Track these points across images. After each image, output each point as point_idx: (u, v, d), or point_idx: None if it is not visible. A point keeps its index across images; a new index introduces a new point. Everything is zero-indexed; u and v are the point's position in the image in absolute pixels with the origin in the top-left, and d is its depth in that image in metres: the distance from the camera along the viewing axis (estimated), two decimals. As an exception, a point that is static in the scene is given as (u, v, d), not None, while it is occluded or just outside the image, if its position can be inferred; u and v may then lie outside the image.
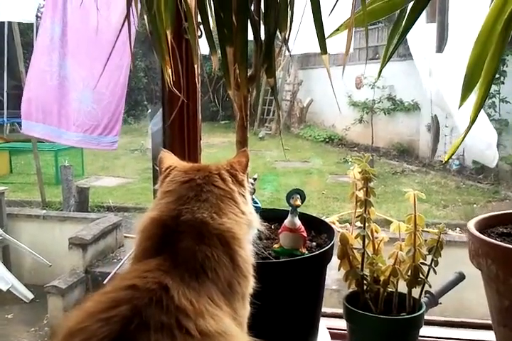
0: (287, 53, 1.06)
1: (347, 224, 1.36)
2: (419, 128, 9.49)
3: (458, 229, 5.95)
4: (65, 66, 3.57)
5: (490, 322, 1.43)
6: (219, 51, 1.10)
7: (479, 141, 5.93)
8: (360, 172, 1.27)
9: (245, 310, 0.88)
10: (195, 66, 1.21)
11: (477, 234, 1.10)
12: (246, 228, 0.94)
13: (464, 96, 1.22)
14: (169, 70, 1.18)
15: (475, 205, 7.14)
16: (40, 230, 5.37)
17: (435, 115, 8.30)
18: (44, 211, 5.96)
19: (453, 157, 8.53)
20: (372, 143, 10.05)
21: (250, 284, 0.90)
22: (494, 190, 7.64)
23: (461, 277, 2.30)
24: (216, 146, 9.50)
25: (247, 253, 0.91)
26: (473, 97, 1.07)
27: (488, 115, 7.95)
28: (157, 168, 1.03)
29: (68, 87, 3.53)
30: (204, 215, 0.88)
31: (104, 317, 0.71)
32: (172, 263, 0.81)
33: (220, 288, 0.82)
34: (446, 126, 8.35)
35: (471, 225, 1.17)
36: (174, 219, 0.87)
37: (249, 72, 1.09)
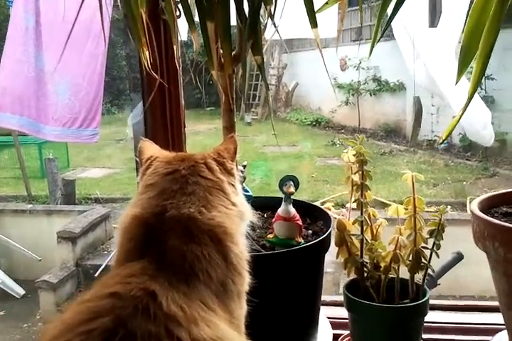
0: (274, 29, 0.97)
1: (343, 209, 1.30)
2: (406, 108, 9.45)
3: (449, 207, 5.96)
4: (40, 57, 3.44)
5: (494, 303, 1.40)
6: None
7: (475, 122, 5.92)
8: (354, 155, 1.20)
9: (242, 309, 0.82)
10: (175, 47, 1.13)
11: (483, 215, 1.05)
12: (238, 221, 0.87)
13: (461, 71, 1.15)
14: (146, 53, 1.09)
15: (464, 183, 7.16)
16: (27, 225, 5.27)
17: (417, 96, 8.25)
18: (30, 205, 5.85)
19: (440, 135, 8.54)
20: (359, 124, 10.02)
21: (246, 281, 0.83)
22: (483, 166, 7.67)
23: (459, 257, 2.27)
24: (202, 133, 9.40)
25: (241, 249, 0.84)
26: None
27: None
28: (137, 160, 0.95)
29: (45, 79, 3.40)
30: (191, 210, 0.80)
31: (84, 330, 0.64)
32: (158, 265, 0.74)
33: (214, 290, 0.75)
34: (432, 105, 8.32)
35: (475, 206, 1.11)
36: (158, 216, 0.79)
37: (234, 52, 1.01)
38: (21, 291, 4.74)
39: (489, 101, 7.80)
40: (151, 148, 0.96)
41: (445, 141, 8.43)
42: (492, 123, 7.96)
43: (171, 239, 0.77)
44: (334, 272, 3.66)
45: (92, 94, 3.18)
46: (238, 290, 0.80)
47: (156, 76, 1.07)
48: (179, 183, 0.84)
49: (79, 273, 4.52)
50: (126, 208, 0.85)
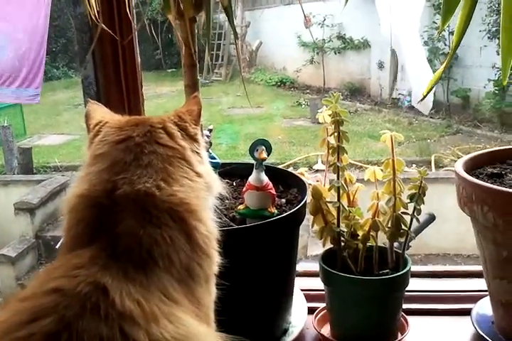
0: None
1: (318, 174, 1.21)
2: (370, 67, 9.37)
3: (414, 165, 6.00)
4: None
5: (472, 268, 1.36)
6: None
7: (422, 88, 5.90)
8: (330, 115, 1.10)
9: (210, 294, 0.72)
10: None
11: (470, 178, 0.97)
12: (204, 194, 0.75)
13: (445, 20, 1.06)
14: (92, 1, 0.94)
15: (429, 141, 7.22)
16: (-18, 196, 5.03)
17: (393, 50, 8.08)
18: (-15, 176, 5.59)
19: (404, 93, 8.54)
20: (324, 84, 9.90)
21: (214, 262, 0.73)
22: (446, 124, 7.74)
23: (431, 218, 2.25)
24: (165, 96, 9.13)
25: (208, 227, 0.73)
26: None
27: (438, 48, 7.91)
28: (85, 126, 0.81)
29: None
30: (147, 185, 0.68)
31: (22, 334, 0.53)
32: (111, 253, 0.63)
33: (177, 277, 0.65)
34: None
35: (460, 168, 1.03)
36: (109, 194, 0.68)
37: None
38: (-21, 266, 4.57)
39: (453, 57, 7.78)
40: (100, 112, 0.82)
41: (408, 99, 8.45)
42: (455, 79, 8.02)
43: (125, 220, 0.66)
44: (302, 235, 3.62)
45: (34, 51, 2.91)
46: (206, 274, 0.71)
47: (104, 26, 0.91)
48: (133, 153, 0.72)
49: (39, 246, 4.36)
50: (73, 184, 0.73)
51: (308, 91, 10.12)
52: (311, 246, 3.75)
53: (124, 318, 0.56)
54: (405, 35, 6.61)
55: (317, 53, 9.98)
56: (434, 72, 6.06)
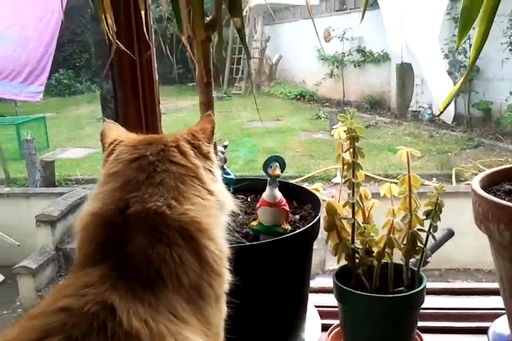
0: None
1: (333, 190, 1.20)
2: (390, 80, 9.33)
3: (434, 179, 5.93)
4: None
5: (490, 286, 1.33)
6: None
7: (443, 98, 5.85)
8: (345, 131, 1.10)
9: (220, 313, 0.72)
10: (142, 13, 1.00)
11: (487, 195, 0.95)
12: (216, 212, 0.76)
13: (462, 36, 1.06)
14: (109, 20, 0.96)
15: (449, 154, 7.13)
16: (5, 209, 5.08)
17: (403, 63, 8.07)
18: (8, 188, 5.67)
19: (424, 106, 8.48)
20: (344, 97, 9.90)
21: (225, 281, 0.73)
22: (468, 137, 7.64)
23: (450, 233, 2.22)
24: (186, 110, 9.21)
25: (219, 245, 0.73)
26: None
27: (459, 61, 7.85)
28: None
29: None
30: (158, 204, 0.69)
31: None
32: (120, 272, 0.63)
33: (185, 296, 0.65)
34: (416, 76, 8.20)
35: (476, 185, 1.02)
36: (121, 213, 0.68)
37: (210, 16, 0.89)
38: (0, 277, 4.62)
39: (474, 69, 7.73)
40: (115, 131, 0.84)
41: (429, 112, 8.38)
42: (476, 92, 7.93)
43: (136, 239, 0.66)
44: (319, 249, 3.58)
45: (41, 50, 2.94)
46: (216, 294, 0.71)
47: (120, 45, 0.93)
48: (146, 172, 0.72)
49: (59, 258, 4.39)
50: (86, 202, 0.74)
51: (327, 104, 10.12)
52: (329, 261, 3.72)
53: (131, 338, 0.57)
54: (423, 48, 6.58)
55: (337, 67, 9.99)
56: (454, 84, 6.03)
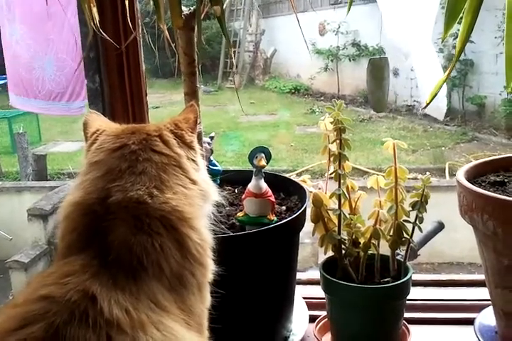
0: None
1: (319, 182, 1.20)
2: (385, 73, 9.32)
3: (428, 173, 5.94)
4: (15, 31, 3.24)
5: (477, 277, 1.33)
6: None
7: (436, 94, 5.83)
8: (332, 123, 1.10)
9: (203, 303, 0.72)
10: (126, 2, 0.99)
11: (470, 186, 0.96)
12: (199, 201, 0.75)
13: (448, 26, 1.05)
14: (93, 9, 0.96)
15: (443, 148, 7.15)
16: (-4, 203, 5.09)
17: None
18: (0, 182, 5.64)
19: (419, 100, 8.48)
20: (339, 91, 9.88)
21: (208, 270, 0.73)
22: (462, 131, 7.66)
23: (440, 226, 2.22)
24: (179, 103, 9.12)
25: (202, 235, 0.73)
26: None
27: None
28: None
29: (27, 55, 3.24)
30: (140, 193, 0.68)
31: (11, 340, 0.54)
32: (102, 261, 0.63)
33: (166, 285, 0.65)
34: (411, 70, 8.20)
35: (461, 176, 1.02)
36: (103, 202, 0.68)
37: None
38: (-8, 272, 4.61)
39: (468, 64, 7.74)
40: (98, 121, 0.83)
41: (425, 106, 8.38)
42: (471, 86, 7.93)
43: (117, 228, 0.66)
44: (313, 243, 3.59)
45: (77, 67, 3.06)
46: (199, 283, 0.70)
47: (105, 35, 0.93)
48: (128, 161, 0.72)
49: (51, 252, 4.37)
50: (69, 192, 0.74)
51: (322, 98, 10.10)
52: (322, 254, 3.73)
53: (112, 326, 0.57)
54: (417, 42, 6.56)
55: (331, 60, 9.97)
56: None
